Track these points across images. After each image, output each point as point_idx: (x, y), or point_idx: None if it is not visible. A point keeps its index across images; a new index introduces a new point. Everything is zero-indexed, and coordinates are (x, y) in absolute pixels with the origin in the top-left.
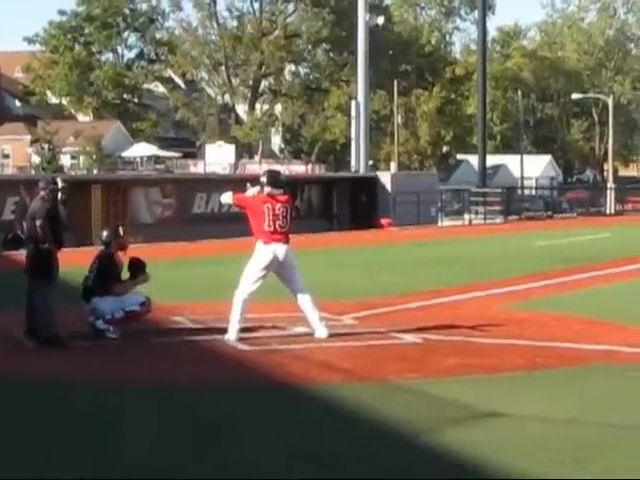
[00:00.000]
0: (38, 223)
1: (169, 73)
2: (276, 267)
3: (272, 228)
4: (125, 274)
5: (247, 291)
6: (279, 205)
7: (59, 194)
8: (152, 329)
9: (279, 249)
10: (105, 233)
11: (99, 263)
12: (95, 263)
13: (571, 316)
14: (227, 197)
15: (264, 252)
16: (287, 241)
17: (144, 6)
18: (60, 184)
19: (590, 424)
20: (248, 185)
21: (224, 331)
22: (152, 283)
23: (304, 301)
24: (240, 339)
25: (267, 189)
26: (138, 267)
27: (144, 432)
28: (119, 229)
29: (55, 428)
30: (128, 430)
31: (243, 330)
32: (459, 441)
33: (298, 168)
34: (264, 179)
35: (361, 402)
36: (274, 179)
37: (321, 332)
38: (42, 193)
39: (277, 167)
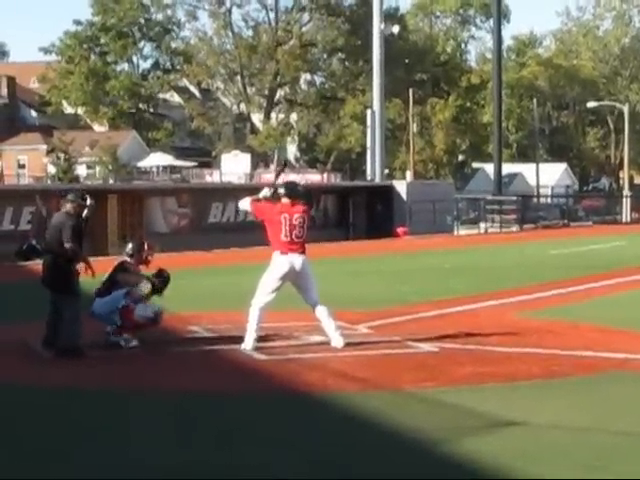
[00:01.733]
0: (68, 246)
1: (184, 83)
2: (292, 277)
3: (289, 238)
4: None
5: (263, 300)
6: (296, 215)
7: (85, 210)
8: (169, 338)
9: (296, 259)
10: (130, 246)
11: (113, 272)
12: (110, 272)
13: (586, 324)
14: (245, 203)
15: (281, 262)
16: (303, 251)
17: (159, 16)
18: (88, 201)
19: (607, 432)
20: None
21: (240, 340)
22: (169, 292)
23: (320, 310)
24: (256, 348)
25: (285, 200)
26: (159, 275)
27: (159, 440)
28: (144, 244)
29: (70, 435)
30: (143, 437)
31: (259, 339)
32: (476, 450)
33: (314, 177)
34: (282, 191)
35: (377, 411)
36: (292, 191)
37: (337, 341)
38: (68, 206)
39: (294, 177)
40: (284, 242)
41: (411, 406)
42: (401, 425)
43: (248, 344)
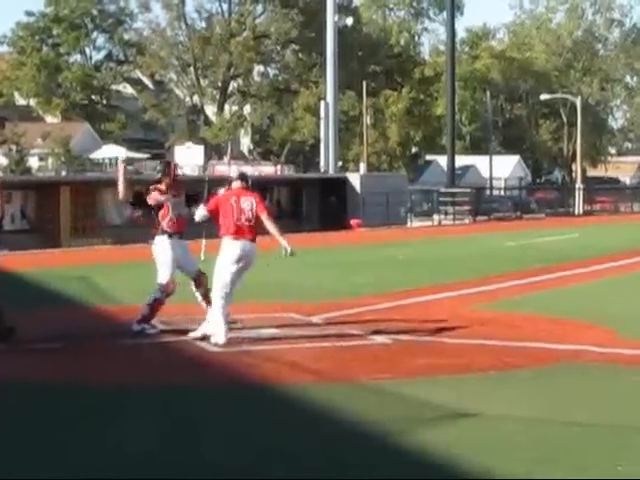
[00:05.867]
0: None
1: (137, 74)
2: (243, 262)
3: (240, 222)
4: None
5: (223, 291)
6: (243, 199)
7: None
8: (120, 331)
9: (247, 246)
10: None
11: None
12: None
13: (540, 316)
14: (200, 213)
15: (232, 246)
16: (253, 239)
17: (112, 7)
18: None
19: (559, 423)
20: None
21: (193, 332)
22: (121, 285)
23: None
24: (209, 340)
25: (235, 184)
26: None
27: (103, 436)
28: (170, 163)
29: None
30: (93, 433)
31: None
32: (430, 441)
33: (267, 169)
34: (234, 175)
35: (331, 402)
36: (243, 174)
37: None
38: None
39: (246, 168)
40: (235, 226)
41: (365, 398)
42: (355, 416)
43: (220, 337)
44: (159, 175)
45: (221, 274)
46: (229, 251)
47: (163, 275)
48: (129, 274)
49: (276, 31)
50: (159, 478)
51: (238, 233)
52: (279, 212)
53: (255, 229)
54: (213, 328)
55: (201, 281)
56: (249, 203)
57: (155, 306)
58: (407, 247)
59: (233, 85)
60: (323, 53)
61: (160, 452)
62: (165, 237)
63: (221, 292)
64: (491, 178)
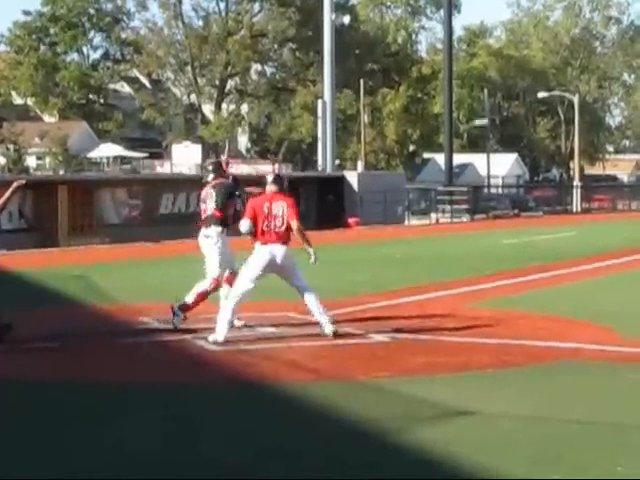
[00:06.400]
0: None
1: (135, 73)
2: (275, 269)
3: (268, 228)
4: None
5: (240, 290)
6: (275, 204)
7: None
8: (118, 330)
9: (277, 250)
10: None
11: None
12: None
13: (538, 314)
14: (243, 225)
15: (261, 252)
16: (285, 242)
17: (109, 6)
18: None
19: (559, 422)
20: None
21: (191, 331)
22: (119, 284)
23: (308, 297)
24: (208, 339)
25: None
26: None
27: (109, 433)
28: (220, 162)
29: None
30: (93, 431)
31: (211, 330)
32: (428, 439)
33: (265, 168)
34: (269, 178)
35: (329, 401)
36: (279, 178)
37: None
38: None
39: (243, 167)
40: (263, 231)
41: (364, 396)
42: (353, 414)
43: (220, 335)
44: (212, 175)
45: (244, 278)
46: (256, 257)
47: (217, 268)
48: (127, 273)
49: (273, 30)
50: (158, 476)
51: (266, 238)
52: None
53: (286, 233)
54: (218, 325)
55: (231, 280)
56: (281, 208)
57: (200, 297)
58: (405, 245)
59: (230, 84)
60: (320, 51)
61: (159, 450)
62: (223, 231)
63: (239, 295)
64: (489, 176)
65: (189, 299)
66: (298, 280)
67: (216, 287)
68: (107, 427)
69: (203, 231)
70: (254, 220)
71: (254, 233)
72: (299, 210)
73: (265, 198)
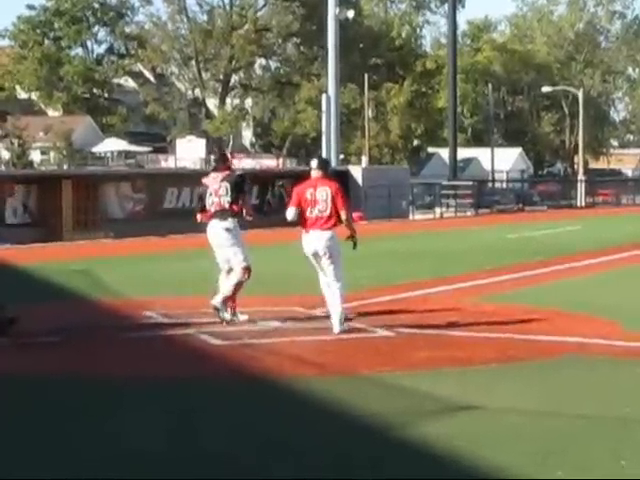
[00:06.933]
0: None
1: (139, 68)
2: (320, 253)
3: (312, 214)
4: None
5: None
6: (320, 189)
7: None
8: (122, 324)
9: (319, 235)
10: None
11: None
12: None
13: (541, 308)
14: (290, 214)
15: (305, 241)
16: (330, 227)
17: (113, 0)
18: None
19: (564, 416)
20: None
21: (196, 325)
22: (123, 278)
23: (332, 291)
24: (211, 333)
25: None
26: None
27: (112, 427)
28: (225, 154)
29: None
30: (95, 425)
31: (215, 324)
32: (432, 434)
33: (269, 162)
34: (314, 164)
35: (333, 395)
36: (324, 162)
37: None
38: None
39: (248, 161)
40: (307, 218)
41: (368, 390)
42: (357, 409)
43: (342, 325)
44: (218, 164)
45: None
46: (302, 245)
47: (244, 258)
48: (131, 267)
49: (277, 24)
50: (162, 470)
51: (309, 225)
52: (281, 205)
53: (331, 218)
54: (333, 316)
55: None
56: (325, 193)
57: (237, 288)
58: (409, 240)
59: (235, 78)
60: (324, 46)
61: (162, 444)
62: (237, 221)
63: (323, 287)
64: (493, 171)
65: (226, 291)
66: (337, 267)
67: (249, 275)
68: (110, 421)
69: (219, 223)
70: (300, 207)
71: (300, 221)
72: (345, 196)
73: (309, 184)
